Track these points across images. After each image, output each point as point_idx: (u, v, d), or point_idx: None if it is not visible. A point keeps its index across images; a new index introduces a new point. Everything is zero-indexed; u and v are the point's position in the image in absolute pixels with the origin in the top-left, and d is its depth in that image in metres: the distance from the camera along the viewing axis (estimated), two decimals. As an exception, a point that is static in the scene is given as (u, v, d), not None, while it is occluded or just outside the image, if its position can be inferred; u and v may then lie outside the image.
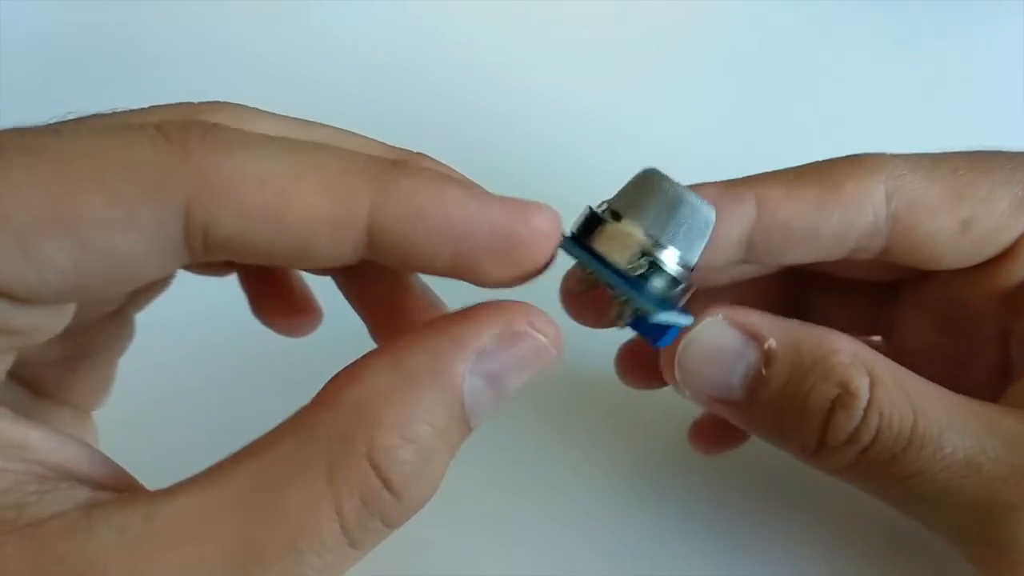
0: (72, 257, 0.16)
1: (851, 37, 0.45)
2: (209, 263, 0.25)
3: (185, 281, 0.25)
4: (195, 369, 0.31)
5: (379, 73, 0.41)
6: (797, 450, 0.23)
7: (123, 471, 0.18)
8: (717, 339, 0.22)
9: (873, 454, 0.21)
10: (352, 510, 0.16)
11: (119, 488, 0.17)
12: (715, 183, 0.23)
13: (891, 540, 0.29)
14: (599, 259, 0.20)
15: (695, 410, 0.29)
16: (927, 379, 0.24)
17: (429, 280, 0.25)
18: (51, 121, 0.18)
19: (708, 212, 0.20)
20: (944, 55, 0.43)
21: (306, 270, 0.18)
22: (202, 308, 0.28)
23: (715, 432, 0.29)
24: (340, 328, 0.25)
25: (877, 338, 0.29)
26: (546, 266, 0.19)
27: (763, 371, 0.22)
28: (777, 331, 0.22)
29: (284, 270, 0.26)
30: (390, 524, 0.17)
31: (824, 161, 0.23)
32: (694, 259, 0.20)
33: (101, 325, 0.23)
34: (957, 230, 0.23)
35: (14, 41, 0.41)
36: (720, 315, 0.22)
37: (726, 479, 0.31)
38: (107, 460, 0.18)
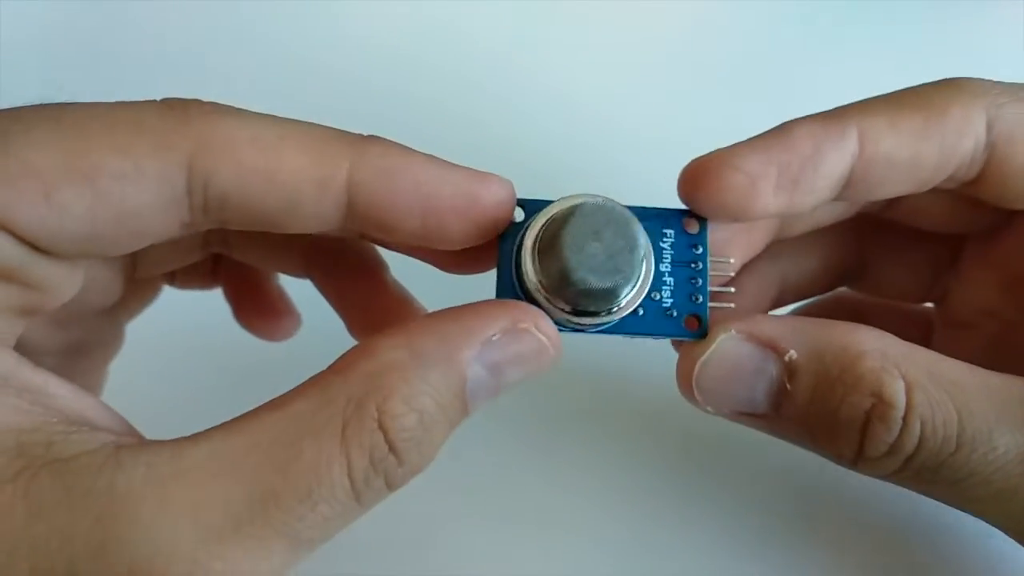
0: (88, 205, 0.17)
1: (852, 38, 0.44)
2: (196, 277, 0.27)
3: (171, 295, 0.27)
4: (180, 378, 0.31)
5: (379, 73, 0.42)
6: (835, 458, 0.21)
7: (134, 427, 0.19)
8: (733, 356, 0.21)
9: (919, 462, 0.20)
10: (360, 467, 0.18)
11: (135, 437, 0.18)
12: (813, 117, 0.21)
13: (892, 541, 0.29)
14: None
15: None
16: (976, 351, 0.24)
17: (408, 282, 0.26)
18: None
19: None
20: (945, 55, 0.43)
21: (292, 232, 0.20)
22: (187, 321, 0.29)
23: None
24: (318, 334, 0.27)
25: (929, 305, 0.28)
26: (503, 232, 0.21)
27: (787, 385, 0.21)
28: (797, 339, 0.21)
29: (263, 276, 0.28)
30: (391, 485, 0.18)
31: (921, 86, 0.22)
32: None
33: (95, 323, 0.24)
34: None
35: (14, 41, 0.41)
36: (733, 331, 0.21)
37: (727, 476, 0.30)
38: (119, 415, 0.19)
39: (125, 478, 0.17)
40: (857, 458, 0.21)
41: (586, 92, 0.41)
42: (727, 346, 0.21)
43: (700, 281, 0.21)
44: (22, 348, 0.19)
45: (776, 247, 0.25)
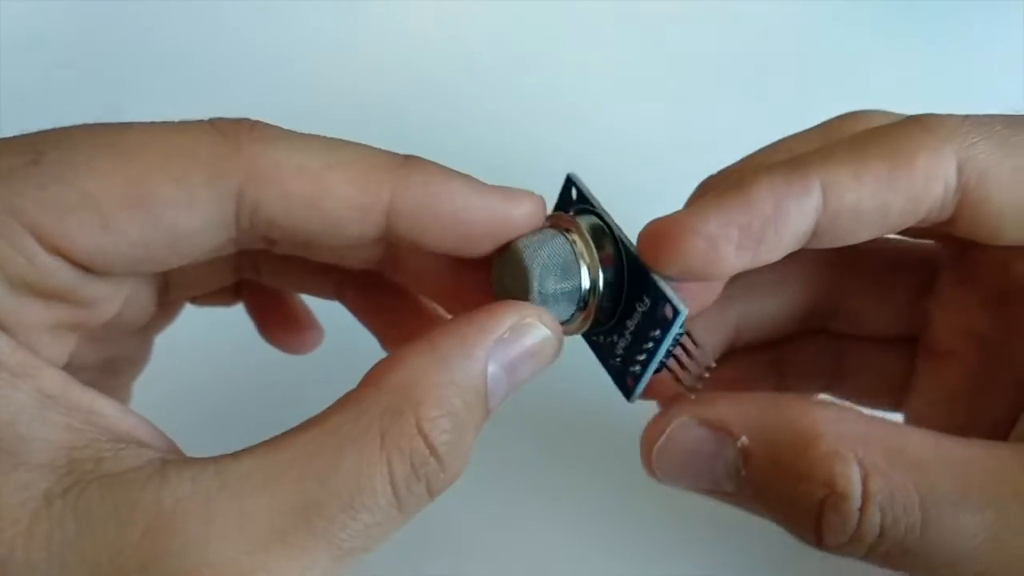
0: (143, 231, 0.18)
1: (851, 38, 0.45)
2: (219, 294, 0.27)
3: (192, 311, 0.27)
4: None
5: (379, 73, 0.42)
6: (801, 541, 0.21)
7: (175, 444, 0.20)
8: (688, 442, 0.21)
9: (883, 549, 0.19)
10: (402, 473, 0.18)
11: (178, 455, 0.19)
12: (774, 172, 0.20)
13: None
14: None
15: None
16: (959, 378, 0.24)
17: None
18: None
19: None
20: (945, 55, 0.43)
21: (331, 247, 0.21)
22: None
23: None
24: (339, 347, 0.28)
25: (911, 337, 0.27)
26: None
27: (741, 472, 0.21)
28: (749, 424, 0.20)
29: (286, 292, 0.28)
30: (432, 490, 0.19)
31: (888, 127, 0.21)
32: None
33: (128, 340, 0.25)
34: None
35: (14, 41, 0.41)
36: (685, 416, 0.21)
37: None
38: (162, 432, 0.20)
39: (171, 492, 0.17)
40: (819, 544, 0.20)
41: (591, 95, 0.42)
42: (681, 432, 0.21)
43: (653, 350, 0.21)
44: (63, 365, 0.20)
45: (729, 287, 0.24)
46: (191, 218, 0.19)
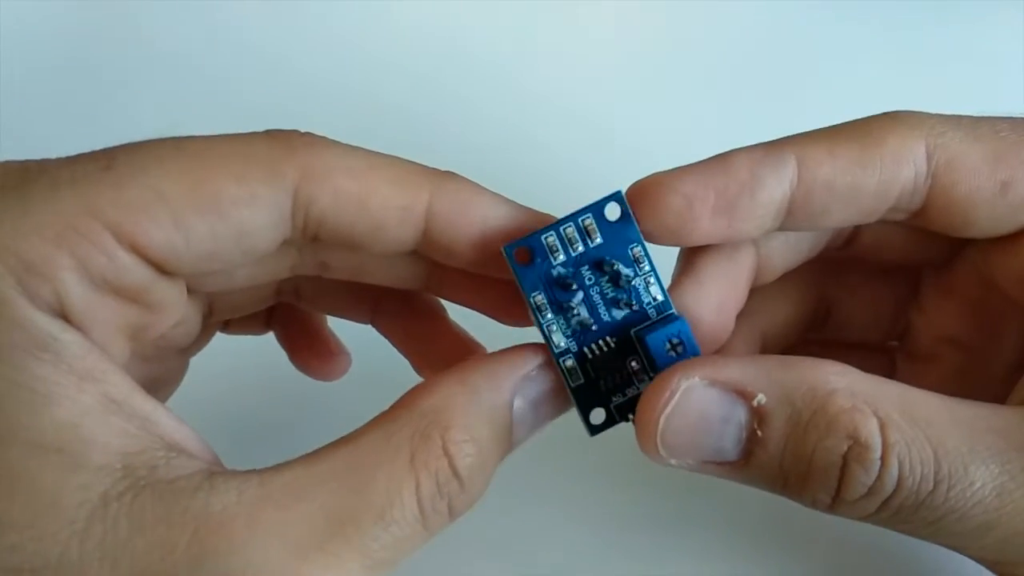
0: (211, 227, 0.20)
1: (852, 38, 0.45)
2: (251, 322, 0.29)
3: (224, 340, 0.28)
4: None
5: (379, 74, 0.42)
6: (808, 504, 0.21)
7: (220, 459, 0.21)
8: (699, 404, 0.20)
9: (897, 503, 0.20)
10: (428, 491, 0.19)
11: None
12: (753, 146, 0.22)
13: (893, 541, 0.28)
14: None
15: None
16: (939, 382, 0.25)
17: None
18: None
19: None
20: (945, 56, 0.43)
21: (375, 252, 0.22)
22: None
23: None
24: (364, 374, 0.29)
25: (893, 343, 0.28)
26: None
27: (757, 432, 0.20)
28: (764, 382, 0.20)
29: (316, 321, 0.30)
30: (452, 510, 0.20)
31: (861, 119, 0.22)
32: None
33: (170, 360, 0.26)
34: (996, 191, 0.22)
35: (15, 41, 0.41)
36: (696, 377, 0.20)
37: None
38: (210, 446, 0.21)
39: (219, 500, 0.18)
40: (834, 502, 0.20)
41: (587, 94, 0.42)
42: (692, 393, 0.20)
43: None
44: None
45: (750, 303, 0.24)
46: (254, 214, 0.20)
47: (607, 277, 0.22)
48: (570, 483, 0.31)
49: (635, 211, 0.22)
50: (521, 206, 0.22)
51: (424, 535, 0.20)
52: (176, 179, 0.19)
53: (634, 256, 0.22)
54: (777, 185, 0.21)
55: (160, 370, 0.25)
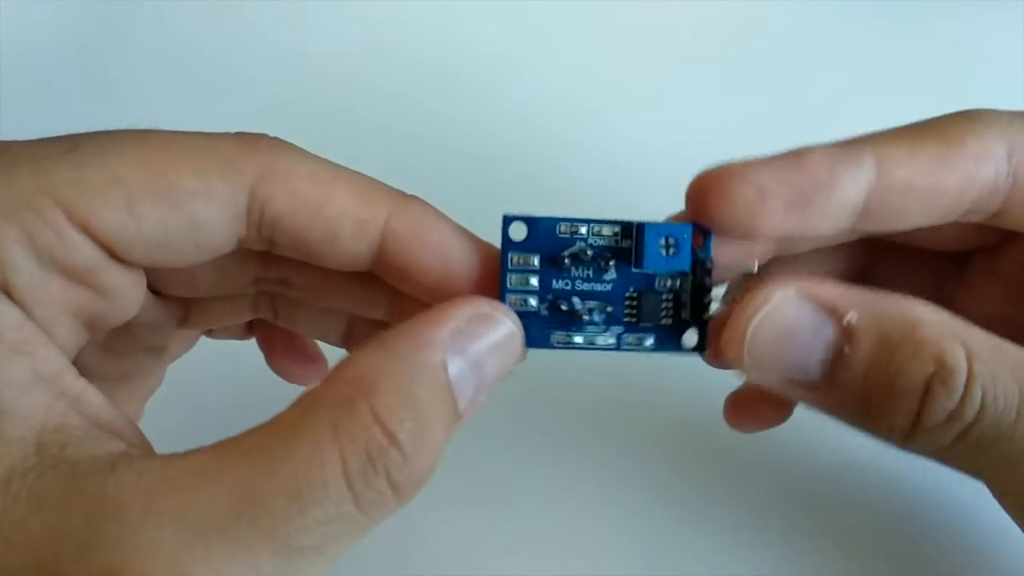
0: (163, 217, 0.20)
1: (852, 39, 0.44)
2: (233, 328, 0.28)
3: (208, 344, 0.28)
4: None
5: (381, 74, 0.42)
6: (885, 431, 0.21)
7: (150, 443, 0.20)
8: (791, 316, 0.20)
9: (976, 432, 0.20)
10: (357, 465, 0.17)
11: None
12: (828, 144, 0.21)
13: (894, 540, 0.28)
14: None
15: (702, 402, 0.28)
16: None
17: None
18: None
19: None
20: (945, 56, 0.42)
21: (326, 264, 0.21)
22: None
23: (754, 408, 0.26)
24: None
25: None
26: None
27: (845, 349, 0.20)
28: (856, 303, 0.20)
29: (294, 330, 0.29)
30: (395, 486, 0.18)
31: (935, 118, 0.22)
32: None
33: (142, 358, 0.26)
34: None
35: (14, 41, 0.42)
36: (792, 289, 0.20)
37: (730, 480, 0.30)
38: (141, 431, 0.20)
39: (116, 483, 0.17)
40: (913, 428, 0.20)
41: (589, 100, 0.41)
42: (786, 306, 0.20)
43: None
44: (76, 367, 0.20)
45: (774, 267, 0.24)
46: (207, 206, 0.20)
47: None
48: (570, 483, 0.31)
49: (703, 201, 0.21)
50: (483, 241, 0.22)
51: (361, 518, 0.18)
52: (135, 166, 0.19)
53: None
54: (855, 186, 0.21)
55: (131, 366, 0.26)
